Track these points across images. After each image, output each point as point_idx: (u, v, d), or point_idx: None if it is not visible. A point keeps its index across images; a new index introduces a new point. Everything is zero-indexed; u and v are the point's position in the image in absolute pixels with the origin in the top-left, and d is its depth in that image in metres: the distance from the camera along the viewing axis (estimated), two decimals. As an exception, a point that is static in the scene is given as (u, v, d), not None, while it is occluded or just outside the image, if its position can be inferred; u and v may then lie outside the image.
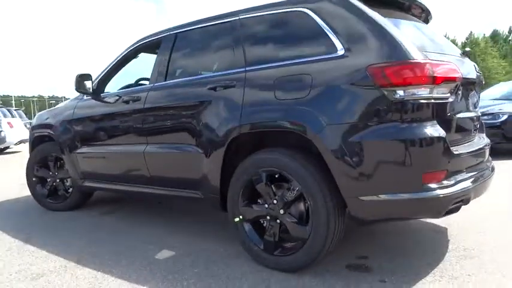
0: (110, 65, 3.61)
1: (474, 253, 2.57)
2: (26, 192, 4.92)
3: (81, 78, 3.48)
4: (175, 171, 2.96)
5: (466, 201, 2.16)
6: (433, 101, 2.03)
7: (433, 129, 2.01)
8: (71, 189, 4.10)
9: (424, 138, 1.98)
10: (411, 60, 1.99)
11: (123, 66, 3.60)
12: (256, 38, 2.61)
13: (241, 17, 2.69)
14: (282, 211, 2.35)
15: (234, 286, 2.24)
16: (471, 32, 45.62)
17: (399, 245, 2.77)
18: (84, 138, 3.65)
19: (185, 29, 3.05)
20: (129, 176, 3.35)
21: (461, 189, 2.07)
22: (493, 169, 2.55)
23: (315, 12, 2.33)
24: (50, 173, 4.17)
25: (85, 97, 3.73)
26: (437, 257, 2.53)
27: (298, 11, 2.42)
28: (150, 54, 3.66)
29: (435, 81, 2.02)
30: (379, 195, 2.04)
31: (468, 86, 2.42)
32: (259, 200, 2.53)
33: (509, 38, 46.30)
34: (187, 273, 2.44)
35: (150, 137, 3.06)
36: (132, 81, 3.81)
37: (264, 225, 2.52)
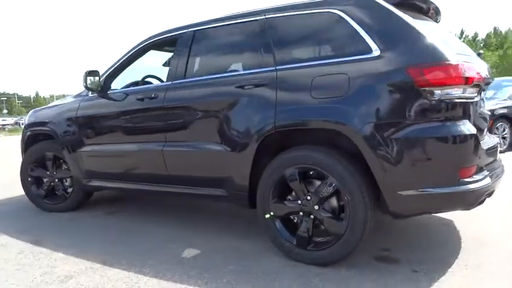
0: (117, 62, 3.52)
1: (485, 241, 2.76)
2: (16, 192, 4.73)
3: (90, 75, 3.38)
4: (198, 169, 2.95)
5: (490, 194, 2.32)
6: (464, 100, 2.17)
7: (467, 127, 2.15)
8: (70, 189, 3.97)
9: (460, 135, 2.11)
10: (448, 62, 2.12)
11: (132, 63, 3.53)
12: (286, 37, 2.65)
13: (267, 16, 2.73)
14: (316, 207, 2.42)
15: (275, 281, 2.28)
16: (495, 28, 46.30)
17: (415, 238, 2.92)
18: (91, 136, 3.55)
19: (204, 27, 3.04)
20: (144, 174, 3.30)
21: (488, 183, 2.23)
22: (503, 168, 2.71)
23: (348, 14, 2.41)
24: (48, 173, 4.01)
25: (90, 94, 3.62)
26: (454, 247, 2.69)
27: (330, 12, 2.48)
28: (152, 52, 3.63)
29: (468, 81, 2.16)
30: (419, 190, 2.15)
31: (484, 87, 2.59)
32: (289, 197, 2.58)
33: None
34: (222, 270, 2.46)
35: (169, 134, 3.03)
36: (131, 79, 3.74)
37: (295, 221, 2.59)
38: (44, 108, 4.22)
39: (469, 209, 2.25)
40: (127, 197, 4.49)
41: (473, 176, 2.17)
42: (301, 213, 2.50)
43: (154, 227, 3.35)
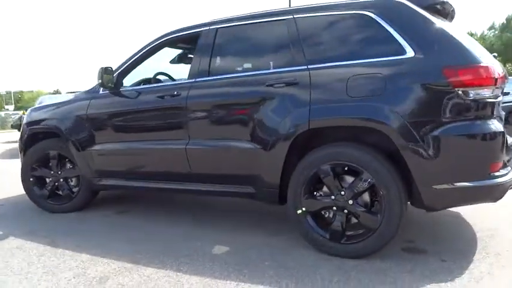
0: (130, 59, 3.46)
1: (495, 233, 2.94)
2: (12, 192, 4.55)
3: (105, 72, 3.31)
4: (224, 167, 2.96)
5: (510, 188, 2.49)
6: (492, 100, 2.32)
7: (496, 125, 2.30)
8: (75, 188, 3.87)
9: (491, 133, 2.26)
10: (481, 64, 2.26)
11: (145, 60, 3.48)
12: (316, 37, 2.71)
13: (295, 16, 2.78)
14: (350, 201, 2.51)
15: (315, 273, 2.35)
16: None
17: (432, 230, 3.06)
18: (104, 134, 3.47)
19: (228, 25, 3.05)
20: (163, 172, 3.27)
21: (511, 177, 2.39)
22: None
23: (380, 16, 2.51)
24: (52, 172, 3.88)
25: (101, 91, 3.53)
26: (470, 238, 2.86)
27: (362, 14, 2.57)
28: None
29: (496, 82, 2.31)
30: (453, 184, 2.29)
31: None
32: (320, 192, 2.66)
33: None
34: (259, 265, 2.50)
35: (193, 132, 3.02)
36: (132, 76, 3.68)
37: (326, 216, 2.67)
38: (45, 106, 4.06)
39: (495, 201, 2.41)
40: (133, 196, 4.42)
41: (500, 171, 2.33)
42: (334, 208, 2.58)
43: (169, 225, 3.33)
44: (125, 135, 3.39)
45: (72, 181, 3.89)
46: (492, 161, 2.29)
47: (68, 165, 3.87)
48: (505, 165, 2.40)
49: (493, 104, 2.32)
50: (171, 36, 3.35)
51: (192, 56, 3.97)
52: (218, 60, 3.07)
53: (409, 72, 2.36)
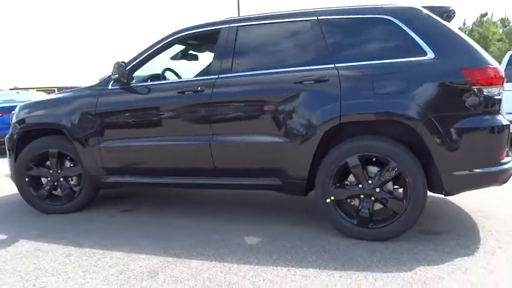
0: (142, 55, 3.43)
1: (489, 214, 3.33)
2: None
3: (120, 67, 3.26)
4: (251, 160, 3.06)
5: None
6: (498, 97, 2.68)
7: (504, 119, 2.66)
8: (75, 188, 3.74)
9: (500, 125, 2.61)
10: (492, 65, 2.60)
11: (156, 56, 3.47)
12: (341, 38, 2.92)
13: (319, 17, 2.96)
14: (378, 189, 2.75)
15: (355, 256, 2.55)
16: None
17: (434, 215, 3.40)
18: (116, 131, 3.40)
19: (252, 23, 3.16)
20: (184, 167, 3.28)
21: None
22: None
23: (401, 21, 2.78)
24: (51, 172, 3.70)
25: (110, 87, 3.46)
26: (468, 220, 3.22)
27: (384, 18, 2.82)
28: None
29: (502, 81, 2.67)
30: (470, 170, 2.61)
31: None
32: (346, 182, 2.87)
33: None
34: (299, 251, 2.65)
35: (218, 128, 3.08)
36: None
37: (352, 203, 2.89)
38: (37, 102, 3.87)
39: (500, 185, 2.77)
40: (131, 195, 4.33)
41: (505, 158, 2.70)
42: (362, 196, 2.80)
43: (183, 221, 3.35)
44: (141, 132, 3.35)
45: (72, 180, 3.75)
46: (500, 150, 2.65)
47: (69, 164, 3.72)
48: (507, 154, 2.78)
49: (499, 101, 2.68)
50: (185, 33, 3.37)
51: (193, 52, 4.05)
52: (241, 57, 3.15)
53: (431, 72, 2.65)
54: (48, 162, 3.73)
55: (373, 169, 2.81)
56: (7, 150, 3.91)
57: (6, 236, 3.15)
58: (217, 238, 2.93)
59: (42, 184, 3.80)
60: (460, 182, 2.67)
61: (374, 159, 2.77)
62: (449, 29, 2.75)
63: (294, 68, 2.96)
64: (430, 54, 2.68)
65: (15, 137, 3.75)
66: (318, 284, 2.21)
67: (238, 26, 3.18)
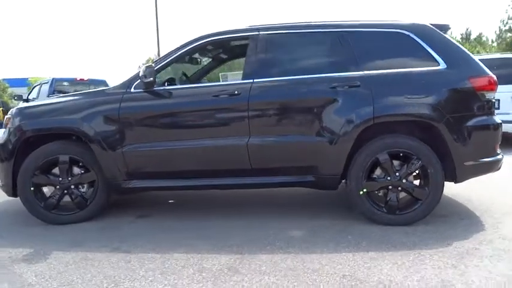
0: (168, 57, 3.44)
1: (473, 199, 3.97)
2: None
3: (152, 70, 3.23)
4: (286, 160, 3.27)
5: None
6: (493, 101, 3.29)
7: (497, 119, 3.27)
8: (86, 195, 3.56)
9: (496, 123, 3.22)
10: (490, 75, 3.20)
11: (180, 60, 3.51)
12: (366, 48, 3.29)
13: (345, 30, 3.31)
14: (404, 180, 3.18)
15: (393, 238, 2.92)
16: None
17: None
18: (144, 134, 3.34)
19: (283, 31, 3.39)
20: (218, 169, 3.36)
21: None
22: None
23: (417, 35, 3.25)
24: (60, 179, 3.47)
25: (133, 89, 3.39)
26: (458, 204, 3.80)
27: (402, 32, 3.27)
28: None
29: (496, 88, 3.28)
30: (477, 160, 3.17)
31: None
32: (375, 175, 3.25)
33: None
34: (349, 240, 2.93)
35: (255, 129, 3.23)
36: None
37: (379, 194, 3.27)
38: (46, 105, 3.62)
39: (495, 171, 3.37)
40: (136, 201, 4.20)
41: (498, 150, 3.32)
42: (390, 186, 3.20)
43: (215, 222, 3.43)
44: (172, 134, 3.35)
45: (83, 188, 3.56)
46: (496, 142, 3.26)
47: (79, 171, 3.53)
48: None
49: (494, 103, 3.29)
50: (214, 38, 3.47)
51: (195, 57, 4.14)
52: (275, 62, 3.36)
53: (446, 79, 3.15)
54: (54, 170, 3.50)
55: (396, 163, 3.23)
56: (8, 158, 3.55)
57: (32, 250, 2.93)
58: (266, 234, 3.08)
59: (43, 193, 3.56)
60: (469, 171, 3.22)
61: (401, 154, 3.19)
62: (454, 43, 3.30)
63: (328, 74, 3.25)
64: (443, 65, 3.19)
65: (14, 142, 3.45)
66: (389, 261, 2.52)
67: (269, 33, 3.38)
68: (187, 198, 4.28)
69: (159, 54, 26.75)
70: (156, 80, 3.41)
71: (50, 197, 3.49)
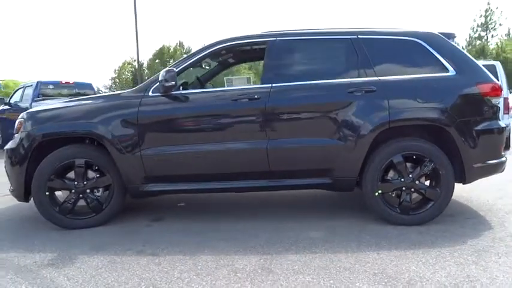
0: (185, 62, 3.49)
1: (473, 199, 4.18)
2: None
3: (173, 74, 3.27)
4: (305, 162, 3.35)
5: None
6: (498, 106, 3.48)
7: (503, 122, 3.47)
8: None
9: (502, 127, 3.41)
10: (495, 81, 3.39)
11: (198, 64, 3.56)
12: (380, 54, 3.42)
13: (359, 36, 3.44)
14: (417, 182, 3.32)
15: (408, 238, 3.04)
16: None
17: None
18: (163, 138, 3.36)
19: (300, 38, 3.50)
20: (237, 172, 3.40)
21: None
22: None
23: (427, 43, 3.41)
24: (76, 183, 3.44)
25: (151, 93, 3.41)
26: (461, 205, 3.99)
27: (414, 40, 3.43)
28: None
29: (501, 93, 3.48)
30: (484, 162, 3.34)
31: None
32: (388, 177, 3.38)
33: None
34: (369, 240, 3.04)
35: (274, 133, 3.30)
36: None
37: (393, 195, 3.40)
38: (61, 109, 3.58)
39: (501, 172, 3.56)
40: (146, 205, 4.19)
41: (502, 152, 3.52)
42: (403, 188, 3.34)
43: (232, 224, 3.48)
44: (191, 138, 3.38)
45: (98, 191, 3.54)
46: (502, 145, 3.45)
47: (93, 175, 3.50)
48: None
49: (499, 108, 3.48)
50: (233, 43, 3.54)
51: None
52: (293, 67, 3.46)
53: (456, 85, 3.32)
54: (69, 174, 3.47)
55: (409, 165, 3.37)
56: (10, 162, 3.50)
57: (55, 254, 2.90)
58: (286, 235, 3.15)
59: (56, 198, 3.52)
60: (477, 172, 3.39)
61: (414, 157, 3.33)
62: (461, 50, 3.49)
63: (345, 80, 3.37)
64: (452, 71, 3.36)
65: (28, 147, 3.40)
66: (414, 259, 2.64)
67: (288, 40, 3.48)
68: (196, 202, 4.30)
69: (138, 58, 26.54)
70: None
71: (65, 201, 3.45)
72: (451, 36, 3.61)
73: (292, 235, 3.16)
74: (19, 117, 3.62)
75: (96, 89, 12.11)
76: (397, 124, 3.28)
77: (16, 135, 3.59)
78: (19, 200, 3.62)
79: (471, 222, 3.41)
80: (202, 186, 3.48)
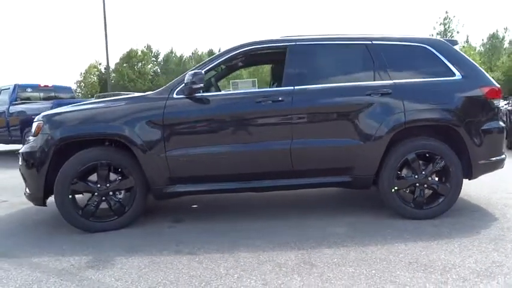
0: (208, 65, 3.57)
1: (471, 194, 4.48)
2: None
3: (201, 76, 3.34)
4: (327, 161, 3.50)
5: None
6: (498, 107, 3.79)
7: (502, 123, 3.77)
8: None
9: (502, 127, 3.71)
10: (496, 84, 3.68)
11: (221, 66, 3.64)
12: (395, 59, 3.64)
13: (374, 42, 3.65)
14: (430, 178, 3.55)
15: (426, 230, 3.25)
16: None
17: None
18: (189, 139, 3.43)
19: (320, 42, 3.67)
20: (261, 172, 3.50)
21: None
22: None
23: (435, 49, 3.67)
24: (99, 186, 3.42)
25: (175, 95, 3.46)
26: (476, 201, 4.26)
27: (423, 46, 3.68)
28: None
29: (501, 96, 3.78)
30: (488, 159, 3.62)
31: None
32: (403, 174, 3.59)
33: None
34: (385, 233, 3.22)
35: (297, 133, 3.43)
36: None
37: (406, 191, 3.62)
38: (84, 111, 3.56)
39: (499, 169, 3.86)
40: (160, 208, 4.20)
41: (503, 150, 3.82)
42: (417, 184, 3.56)
43: (254, 223, 3.58)
44: (217, 139, 3.45)
45: (120, 194, 3.53)
46: (502, 143, 3.75)
47: (115, 177, 3.50)
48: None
49: (500, 109, 3.79)
50: (252, 47, 3.65)
51: None
52: (310, 70, 3.60)
53: (463, 88, 3.59)
54: (90, 177, 3.46)
55: (421, 163, 3.60)
56: (28, 166, 3.44)
57: (90, 257, 2.88)
58: (312, 231, 3.28)
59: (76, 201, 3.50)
60: (482, 168, 3.67)
61: (426, 155, 3.56)
62: (465, 56, 3.77)
63: (363, 82, 3.56)
64: (458, 75, 3.62)
65: (49, 150, 3.35)
66: (440, 249, 2.84)
67: (307, 44, 3.63)
68: (211, 204, 4.35)
69: (107, 61, 26.00)
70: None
71: (88, 204, 3.42)
72: (454, 43, 3.90)
73: (318, 231, 3.30)
74: (36, 120, 3.56)
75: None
76: (412, 125, 3.50)
77: (32, 138, 3.53)
78: (36, 204, 3.56)
79: (477, 215, 3.67)
80: (226, 187, 3.55)
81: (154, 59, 53.40)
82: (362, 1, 76.44)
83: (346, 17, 74.71)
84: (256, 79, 20.78)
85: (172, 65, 51.43)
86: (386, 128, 3.45)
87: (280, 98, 3.45)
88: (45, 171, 3.37)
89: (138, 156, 3.38)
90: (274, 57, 4.29)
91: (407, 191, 3.62)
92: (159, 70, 54.05)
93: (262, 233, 3.31)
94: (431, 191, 3.64)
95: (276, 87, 4.18)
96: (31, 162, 3.43)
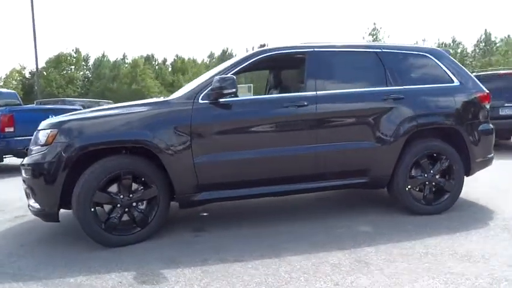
0: (231, 70, 3.53)
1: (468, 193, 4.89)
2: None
3: (231, 81, 3.30)
4: (349, 163, 3.64)
5: None
6: (489, 110, 4.21)
7: (492, 124, 4.19)
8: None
9: (493, 128, 4.13)
10: (486, 91, 4.10)
11: (242, 72, 3.64)
12: (403, 66, 3.90)
13: (387, 50, 3.89)
14: (437, 176, 3.85)
15: (441, 225, 3.51)
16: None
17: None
18: (215, 145, 3.34)
19: (337, 49, 3.82)
20: (288, 176, 3.53)
21: None
22: None
23: (435, 57, 4.00)
24: (122, 196, 3.22)
25: (200, 100, 3.38)
26: (474, 197, 4.56)
27: (425, 55, 3.99)
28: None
29: (490, 100, 4.21)
30: (483, 157, 4.02)
31: None
32: (413, 173, 3.85)
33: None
34: (408, 229, 3.42)
35: (321, 137, 3.53)
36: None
37: (416, 189, 3.88)
38: (96, 117, 3.32)
39: (489, 166, 4.27)
40: (178, 220, 4.03)
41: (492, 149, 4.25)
42: (427, 182, 3.84)
43: (279, 228, 3.60)
44: (245, 144, 3.43)
45: (142, 204, 3.35)
46: (493, 143, 4.18)
47: (138, 187, 3.32)
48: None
49: (489, 113, 4.21)
50: (273, 53, 3.70)
51: None
52: (330, 77, 3.73)
53: (461, 93, 3.95)
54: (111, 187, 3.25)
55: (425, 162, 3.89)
56: (38, 178, 3.15)
57: (134, 272, 2.71)
58: (338, 232, 3.39)
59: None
60: (478, 166, 4.05)
61: (434, 155, 3.85)
62: (459, 64, 4.15)
63: (379, 88, 3.77)
64: (457, 82, 3.98)
65: (67, 160, 3.09)
66: (464, 239, 3.09)
67: (325, 51, 3.76)
68: (224, 211, 4.27)
69: (37, 65, 24.12)
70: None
71: (110, 216, 3.20)
72: (448, 52, 4.27)
73: (345, 231, 3.42)
74: (47, 128, 3.25)
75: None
76: (423, 127, 3.78)
77: (40, 147, 3.23)
78: (48, 221, 3.27)
79: (478, 209, 4.03)
80: (253, 192, 3.53)
81: (84, 63, 50.58)
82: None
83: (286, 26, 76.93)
84: (252, 84, 20.69)
85: (106, 69, 49.08)
86: (402, 131, 3.68)
87: (305, 103, 3.52)
88: (61, 184, 3.10)
89: (165, 164, 3.24)
90: (281, 64, 4.36)
91: (417, 189, 3.88)
92: (89, 75, 51.32)
93: (293, 235, 3.35)
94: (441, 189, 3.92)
95: (281, 92, 4.27)
96: (44, 174, 3.13)
